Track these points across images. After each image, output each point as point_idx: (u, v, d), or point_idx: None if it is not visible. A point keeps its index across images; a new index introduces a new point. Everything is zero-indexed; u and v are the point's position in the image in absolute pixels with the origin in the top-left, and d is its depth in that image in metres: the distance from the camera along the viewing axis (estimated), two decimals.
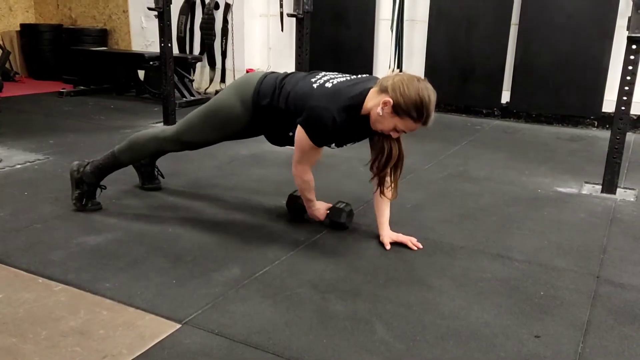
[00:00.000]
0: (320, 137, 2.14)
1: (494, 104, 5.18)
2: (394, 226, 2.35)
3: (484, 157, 3.79)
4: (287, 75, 2.30)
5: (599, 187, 3.06)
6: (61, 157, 3.41)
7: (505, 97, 5.14)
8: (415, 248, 2.25)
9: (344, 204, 2.41)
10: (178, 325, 1.66)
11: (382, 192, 2.23)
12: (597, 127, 4.83)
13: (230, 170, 3.24)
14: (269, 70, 2.39)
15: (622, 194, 3.02)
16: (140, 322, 1.68)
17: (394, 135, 2.11)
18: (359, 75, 2.24)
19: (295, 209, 2.52)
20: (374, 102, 2.05)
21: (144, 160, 2.79)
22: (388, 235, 2.28)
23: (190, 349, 1.55)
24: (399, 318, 1.74)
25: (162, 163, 2.88)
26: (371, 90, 2.09)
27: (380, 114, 2.02)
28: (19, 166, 3.25)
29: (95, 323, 1.66)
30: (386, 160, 2.15)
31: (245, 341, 1.60)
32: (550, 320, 1.76)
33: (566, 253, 2.26)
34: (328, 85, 2.13)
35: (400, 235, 2.30)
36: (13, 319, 1.68)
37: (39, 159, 3.39)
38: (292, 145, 2.32)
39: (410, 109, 1.97)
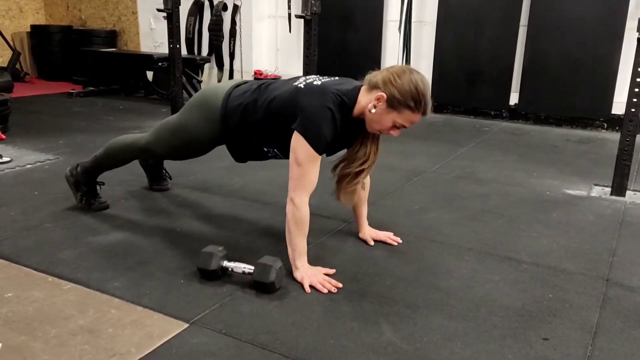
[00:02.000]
0: (322, 139, 1.88)
1: (502, 106, 5.17)
2: (402, 227, 2.35)
3: (491, 159, 3.77)
4: (260, 85, 2.10)
5: (609, 189, 3.05)
6: (71, 157, 3.43)
7: (514, 98, 5.13)
8: (395, 243, 2.27)
9: (272, 260, 1.90)
10: (186, 325, 1.67)
11: (339, 194, 2.10)
12: (606, 129, 4.80)
13: (237, 172, 3.25)
14: (236, 82, 2.18)
15: (632, 196, 3.00)
16: (148, 321, 1.69)
17: (395, 133, 1.94)
18: (337, 78, 2.06)
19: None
20: (366, 101, 1.91)
21: (151, 161, 2.81)
22: (369, 233, 2.31)
23: (198, 349, 1.56)
24: (406, 319, 1.74)
25: (170, 164, 2.89)
26: (361, 89, 1.95)
27: (373, 111, 1.88)
28: (29, 166, 3.27)
29: (104, 322, 1.67)
30: (361, 165, 2.02)
31: (253, 341, 1.60)
32: (559, 322, 1.75)
33: (575, 256, 2.24)
34: (316, 82, 1.96)
35: (379, 232, 2.32)
36: (23, 317, 1.69)
37: (48, 159, 3.42)
38: (258, 159, 2.21)
39: (407, 99, 1.83)
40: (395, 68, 1.91)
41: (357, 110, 1.95)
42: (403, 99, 1.84)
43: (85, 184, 2.54)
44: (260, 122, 2.03)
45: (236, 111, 2.06)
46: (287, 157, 1.99)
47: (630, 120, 2.90)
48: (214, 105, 2.10)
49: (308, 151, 1.88)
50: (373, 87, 1.90)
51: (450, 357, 1.56)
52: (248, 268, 1.91)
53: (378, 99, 1.87)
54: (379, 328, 1.68)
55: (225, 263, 1.94)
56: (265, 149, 2.12)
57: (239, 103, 2.06)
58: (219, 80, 6.28)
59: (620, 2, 4.56)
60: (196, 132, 2.16)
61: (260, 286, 1.86)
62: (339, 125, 1.91)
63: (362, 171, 2.05)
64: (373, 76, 1.92)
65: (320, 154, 1.91)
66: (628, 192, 3.01)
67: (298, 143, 1.89)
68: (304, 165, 1.89)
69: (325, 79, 2.02)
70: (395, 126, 1.92)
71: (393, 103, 1.86)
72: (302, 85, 1.97)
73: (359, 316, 1.74)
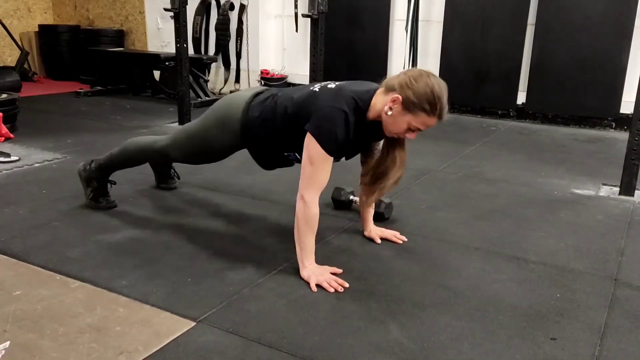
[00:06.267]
0: (334, 140, 1.88)
1: (510, 105, 5.15)
2: (410, 226, 2.34)
3: (499, 158, 3.76)
4: (277, 93, 2.12)
5: (617, 189, 3.03)
6: (79, 156, 3.45)
7: (521, 98, 5.11)
8: (400, 242, 2.28)
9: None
10: (193, 323, 1.67)
11: (374, 198, 2.16)
12: (615, 128, 4.77)
13: (245, 170, 3.25)
14: (256, 91, 2.18)
15: None
16: (155, 319, 1.69)
17: (410, 136, 1.94)
18: (355, 81, 2.07)
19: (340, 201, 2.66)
20: (382, 103, 1.91)
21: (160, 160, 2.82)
22: (375, 231, 2.32)
23: (205, 347, 1.56)
24: (413, 319, 1.73)
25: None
26: (377, 92, 1.95)
27: (389, 113, 1.88)
28: (38, 165, 3.29)
29: (111, 320, 1.68)
30: (389, 170, 2.04)
31: (260, 340, 1.60)
32: (567, 322, 1.74)
33: (583, 255, 2.23)
34: (331, 86, 1.97)
35: (385, 230, 2.33)
36: (31, 315, 1.70)
37: (57, 158, 3.43)
38: (285, 166, 2.23)
39: (422, 102, 1.83)
40: (412, 71, 1.91)
41: (372, 113, 1.95)
42: (418, 102, 1.84)
43: (97, 180, 2.55)
44: (278, 129, 2.05)
45: (256, 122, 2.09)
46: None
47: (639, 120, 2.88)
48: (234, 115, 2.12)
49: (320, 151, 1.89)
50: (390, 89, 1.90)
51: (457, 357, 1.55)
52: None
53: (393, 101, 1.87)
54: (386, 327, 1.68)
55: (351, 197, 2.58)
56: (286, 154, 2.14)
57: (259, 113, 2.08)
58: (226, 80, 6.29)
59: (629, 1, 4.52)
60: (215, 140, 2.19)
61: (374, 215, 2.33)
62: (352, 128, 1.91)
63: (397, 180, 2.09)
64: (390, 79, 1.93)
65: (331, 155, 1.91)
66: (637, 192, 2.98)
67: (310, 143, 1.89)
68: (316, 165, 1.90)
69: (341, 82, 2.03)
70: (410, 129, 1.92)
71: (408, 105, 1.85)
72: (317, 89, 1.98)
73: (366, 315, 1.74)
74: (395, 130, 1.95)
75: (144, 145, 2.47)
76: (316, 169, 1.91)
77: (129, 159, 2.52)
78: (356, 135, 1.95)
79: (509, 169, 3.48)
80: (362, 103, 1.93)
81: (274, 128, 2.06)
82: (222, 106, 2.21)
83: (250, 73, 6.18)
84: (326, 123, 1.88)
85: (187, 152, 2.31)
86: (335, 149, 1.91)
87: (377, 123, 1.97)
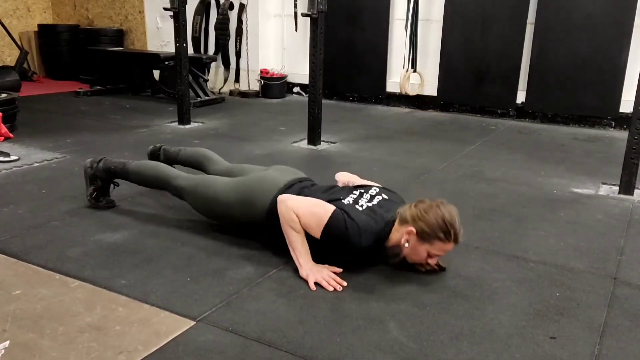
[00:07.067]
0: (335, 239, 1.95)
1: (509, 104, 5.15)
2: None
3: (499, 157, 3.76)
4: (308, 189, 2.17)
5: (617, 188, 3.03)
6: (78, 155, 3.45)
7: (521, 97, 5.11)
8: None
9: None
10: (192, 323, 1.67)
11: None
12: (614, 127, 4.78)
13: None
14: (288, 181, 2.19)
15: None
16: (155, 319, 1.69)
17: (432, 262, 2.00)
18: (382, 195, 2.14)
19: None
20: (399, 235, 1.97)
21: (161, 159, 2.82)
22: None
23: (204, 346, 1.56)
24: (413, 318, 1.73)
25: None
26: (395, 222, 2.01)
27: (407, 245, 1.95)
28: (37, 164, 3.29)
29: (111, 319, 1.68)
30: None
31: (259, 339, 1.60)
32: (566, 321, 1.74)
33: (583, 254, 2.23)
34: (358, 207, 2.03)
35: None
36: (31, 314, 1.70)
37: (56, 158, 3.43)
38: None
39: (435, 231, 1.90)
40: (422, 204, 1.97)
41: (390, 242, 2.01)
42: (432, 232, 1.91)
43: (102, 180, 2.56)
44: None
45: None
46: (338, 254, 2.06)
47: (639, 119, 2.88)
48: (262, 202, 2.14)
49: (322, 223, 1.94)
50: (403, 221, 1.97)
51: (456, 356, 1.55)
52: None
53: (409, 233, 1.94)
54: (386, 326, 1.68)
55: None
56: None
57: None
58: (226, 80, 6.28)
59: (628, 0, 4.52)
60: (235, 214, 2.23)
61: None
62: (362, 248, 1.96)
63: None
64: (403, 211, 1.99)
65: (322, 239, 1.96)
66: (636, 191, 2.99)
67: (323, 213, 1.95)
68: (313, 219, 1.95)
69: (364, 201, 2.07)
70: (429, 256, 1.98)
71: (423, 236, 1.93)
72: (345, 202, 2.04)
73: (365, 314, 1.74)
74: (417, 259, 2.01)
75: (162, 175, 2.47)
76: (310, 217, 1.97)
77: (142, 180, 2.53)
78: (368, 251, 2.01)
79: (508, 168, 3.48)
80: (384, 233, 2.00)
81: None
82: (253, 188, 2.21)
83: (250, 72, 6.18)
84: (343, 227, 1.92)
85: (202, 207, 2.34)
86: (331, 243, 1.97)
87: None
